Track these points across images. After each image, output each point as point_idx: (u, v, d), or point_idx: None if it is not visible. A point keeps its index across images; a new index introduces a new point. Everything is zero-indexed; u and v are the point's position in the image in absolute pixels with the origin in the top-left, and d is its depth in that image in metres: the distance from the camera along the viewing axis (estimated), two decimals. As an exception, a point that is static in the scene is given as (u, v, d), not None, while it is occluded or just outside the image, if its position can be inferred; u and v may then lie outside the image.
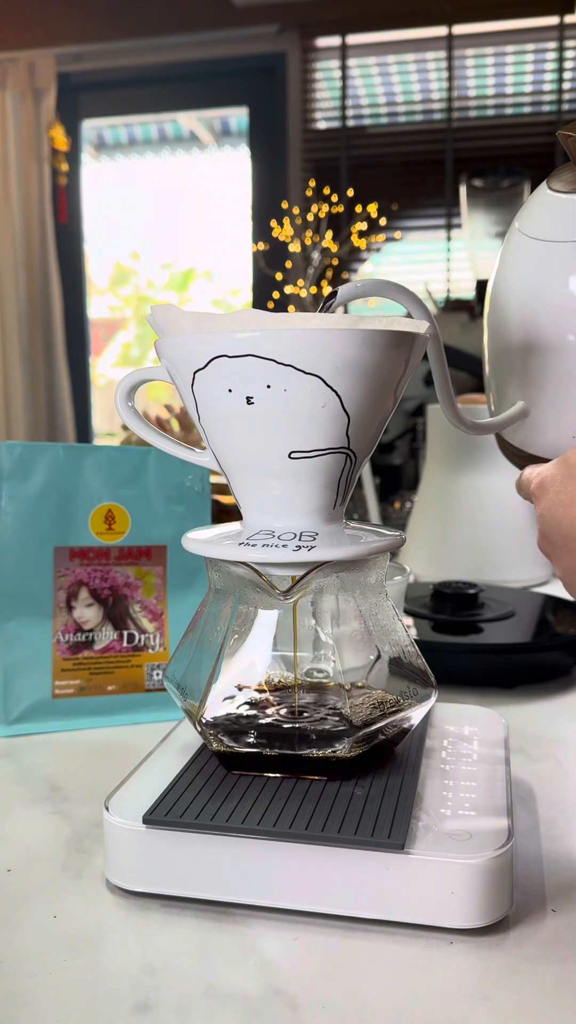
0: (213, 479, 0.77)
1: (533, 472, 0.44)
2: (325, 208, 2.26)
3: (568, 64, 2.90)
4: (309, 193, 2.69)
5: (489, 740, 0.49)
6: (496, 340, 0.49)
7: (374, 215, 2.23)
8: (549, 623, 0.78)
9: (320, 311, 0.43)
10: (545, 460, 0.46)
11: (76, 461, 0.62)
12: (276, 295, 2.38)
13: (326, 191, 2.44)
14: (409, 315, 0.44)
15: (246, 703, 0.46)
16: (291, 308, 2.43)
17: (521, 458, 0.50)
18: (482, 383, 1.56)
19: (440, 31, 2.94)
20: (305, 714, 0.45)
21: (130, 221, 4.27)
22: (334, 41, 3.02)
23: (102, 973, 0.35)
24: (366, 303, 2.97)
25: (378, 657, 0.45)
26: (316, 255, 2.24)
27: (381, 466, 1.53)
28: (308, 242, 2.24)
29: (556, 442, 0.46)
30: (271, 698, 0.46)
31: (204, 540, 0.42)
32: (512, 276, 0.48)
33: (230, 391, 0.40)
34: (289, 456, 0.41)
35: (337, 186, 2.80)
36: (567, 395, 0.46)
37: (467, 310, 1.84)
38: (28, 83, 3.14)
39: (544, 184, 0.47)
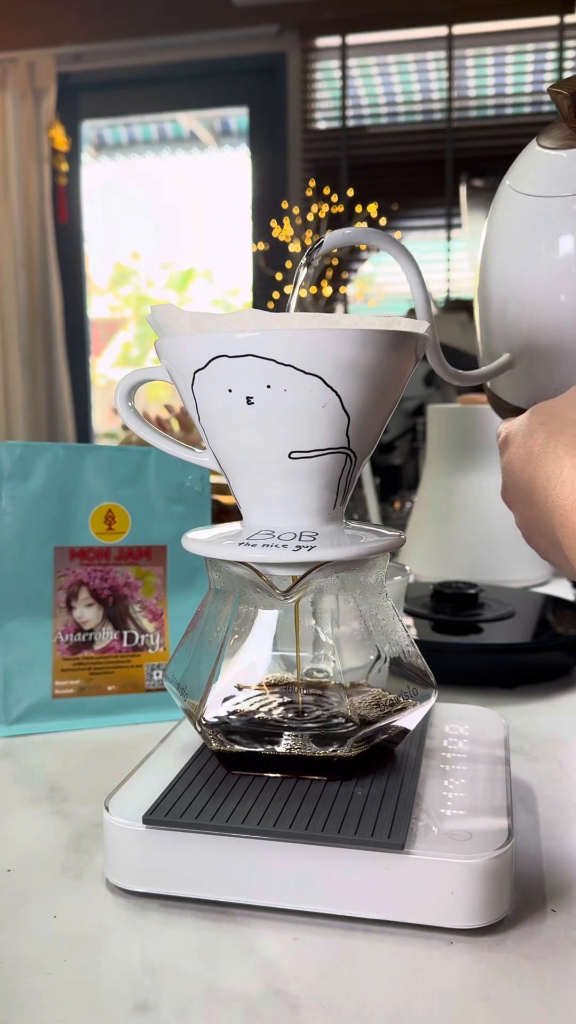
0: (213, 479, 0.77)
1: (504, 425, 0.45)
2: (325, 208, 2.26)
3: (568, 64, 2.90)
4: (309, 193, 2.69)
5: (489, 740, 0.49)
6: (486, 294, 0.50)
7: (374, 215, 2.23)
8: (549, 623, 0.78)
9: (306, 257, 0.44)
10: None
11: (76, 461, 0.62)
12: (276, 295, 2.38)
13: (326, 191, 2.44)
14: (409, 314, 0.44)
15: (246, 703, 0.46)
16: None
17: (508, 411, 0.51)
18: (482, 384, 1.56)
19: (440, 31, 2.94)
20: (305, 714, 0.45)
21: (130, 221, 4.27)
22: (334, 41, 3.02)
23: (102, 973, 0.35)
24: (366, 303, 2.97)
25: (378, 657, 0.45)
26: (311, 271, 2.24)
27: (381, 466, 1.53)
28: (308, 242, 2.24)
29: (540, 395, 0.46)
30: (271, 698, 0.46)
31: (204, 540, 0.42)
32: (502, 231, 0.49)
33: (230, 391, 0.40)
34: (289, 456, 0.41)
35: (337, 186, 2.80)
36: (552, 348, 0.47)
37: (467, 310, 1.84)
38: (28, 83, 3.14)
39: (534, 141, 0.48)
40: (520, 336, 0.48)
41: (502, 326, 0.49)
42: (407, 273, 0.45)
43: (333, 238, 0.44)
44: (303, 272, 0.46)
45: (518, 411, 0.48)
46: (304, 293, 2.18)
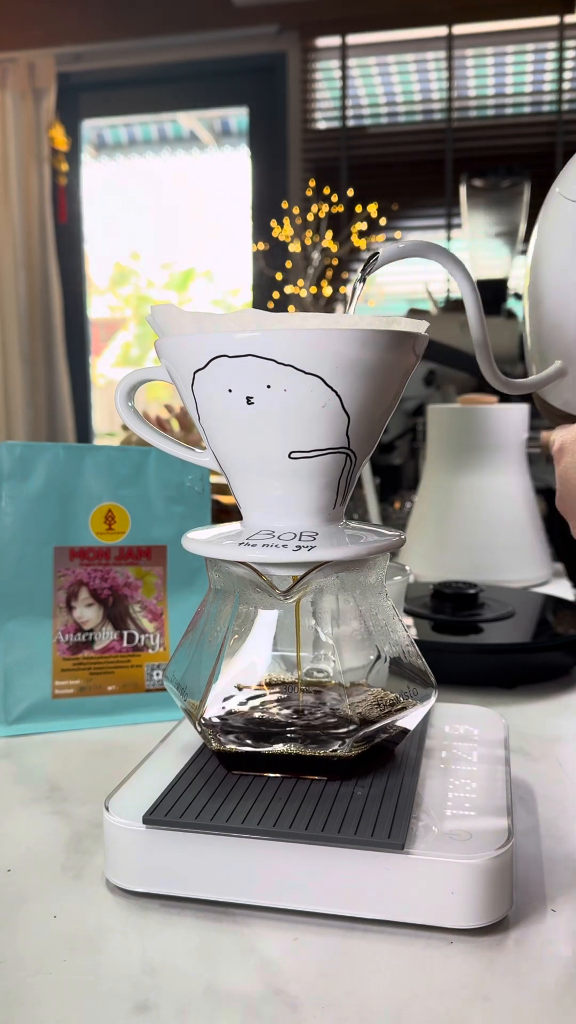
0: (213, 479, 0.77)
1: (558, 433, 0.45)
2: (325, 208, 2.26)
3: (568, 64, 2.90)
4: (309, 193, 2.69)
5: (489, 740, 0.49)
6: (537, 301, 0.50)
7: (374, 215, 2.23)
8: (549, 623, 0.78)
9: (363, 272, 0.44)
10: None
11: (76, 461, 0.62)
12: (276, 295, 2.38)
13: (326, 191, 2.44)
14: (409, 314, 0.44)
15: (246, 703, 0.46)
16: (291, 308, 2.43)
17: (560, 418, 0.51)
18: (483, 383, 1.56)
19: (440, 31, 2.94)
20: (305, 714, 0.45)
21: (130, 221, 4.27)
22: (334, 41, 3.02)
23: (102, 973, 0.35)
24: (366, 303, 2.97)
25: (378, 657, 0.45)
26: (316, 255, 2.24)
27: (381, 466, 1.53)
28: (308, 242, 2.24)
29: None
30: (271, 698, 0.46)
31: (204, 540, 0.42)
32: (552, 238, 0.49)
33: (230, 391, 0.40)
34: (289, 456, 0.41)
35: (337, 186, 2.80)
36: None
37: (467, 310, 1.83)
38: (28, 83, 3.14)
39: None
40: (573, 344, 0.48)
41: (555, 334, 0.49)
42: (460, 285, 0.44)
43: (388, 252, 0.44)
44: (359, 288, 0.46)
45: (570, 419, 0.48)
46: (304, 293, 2.18)
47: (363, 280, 0.45)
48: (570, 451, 0.43)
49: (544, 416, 0.54)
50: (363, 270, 0.44)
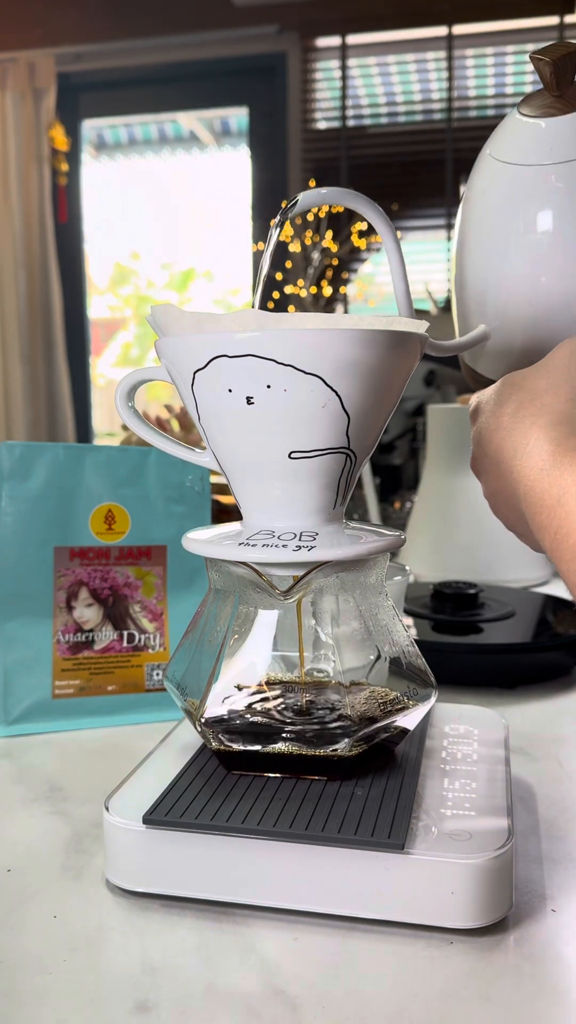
0: (213, 479, 0.77)
1: (475, 396, 0.45)
2: (325, 208, 2.26)
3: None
4: (309, 193, 2.69)
5: (489, 740, 0.49)
6: (462, 264, 0.50)
7: (374, 215, 2.22)
8: (549, 623, 0.78)
9: (280, 216, 0.44)
10: None
11: (76, 461, 0.62)
12: (276, 295, 2.38)
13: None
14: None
15: (246, 703, 0.46)
16: (291, 308, 2.43)
17: (483, 384, 0.51)
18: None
19: (440, 31, 2.94)
20: (305, 713, 0.45)
21: (130, 221, 4.27)
22: (334, 41, 3.02)
23: (102, 973, 0.35)
24: (366, 303, 2.97)
25: (378, 657, 0.45)
26: (316, 255, 2.24)
27: (381, 466, 1.53)
28: (308, 242, 2.24)
29: (514, 368, 0.45)
30: (271, 698, 0.46)
31: (204, 540, 0.42)
32: (480, 199, 0.48)
33: (230, 391, 0.40)
34: (289, 456, 0.41)
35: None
36: (527, 321, 0.47)
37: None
38: (28, 83, 3.14)
39: (515, 109, 0.48)
40: (496, 308, 0.48)
41: (478, 298, 0.49)
42: (380, 231, 0.45)
43: (307, 197, 0.44)
44: (275, 233, 0.46)
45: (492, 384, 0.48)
46: (304, 294, 2.18)
47: (280, 225, 0.45)
48: (484, 412, 0.43)
49: (470, 383, 0.53)
50: (281, 213, 0.44)
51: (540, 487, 0.36)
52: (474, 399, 0.46)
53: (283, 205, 0.45)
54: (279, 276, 2.32)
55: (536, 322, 0.46)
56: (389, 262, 0.46)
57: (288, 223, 2.23)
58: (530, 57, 0.45)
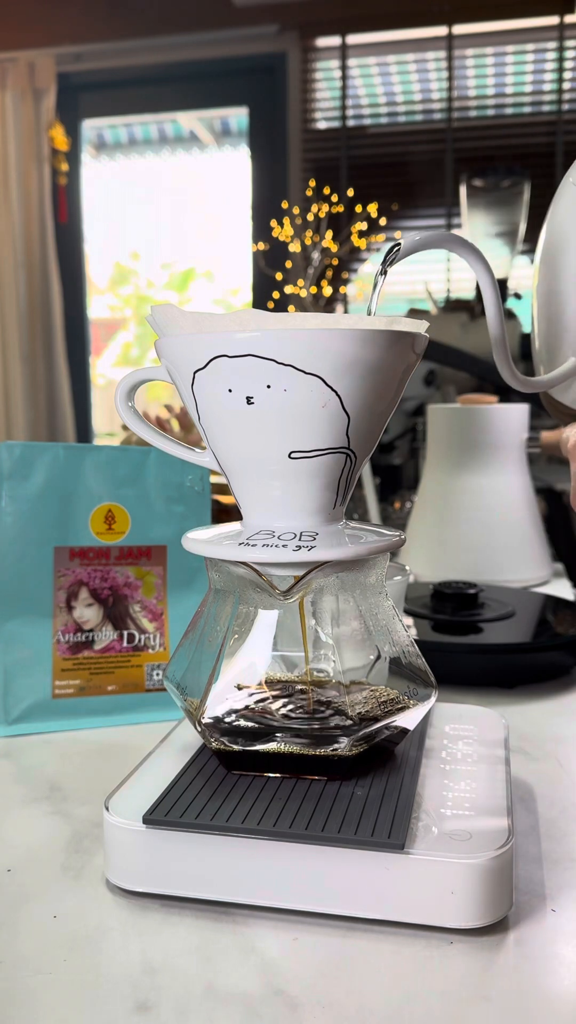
0: (213, 479, 0.77)
1: (572, 430, 0.44)
2: (325, 208, 2.26)
3: (568, 64, 2.90)
4: (309, 193, 2.69)
5: (489, 740, 0.49)
6: (549, 297, 0.49)
7: (374, 215, 2.23)
8: (549, 623, 0.78)
9: (383, 265, 0.43)
10: None
11: (76, 461, 0.62)
12: (276, 295, 2.38)
13: (326, 191, 2.44)
14: (409, 314, 0.44)
15: (246, 703, 0.46)
16: (291, 308, 2.43)
17: (571, 416, 0.50)
18: (483, 383, 1.56)
19: (440, 31, 2.94)
20: (305, 713, 0.45)
21: (130, 221, 4.27)
22: (334, 41, 3.02)
23: (102, 973, 0.35)
24: (366, 303, 2.96)
25: (378, 657, 0.45)
26: (316, 255, 2.24)
27: (381, 466, 1.53)
28: (308, 242, 2.24)
29: None
30: (271, 697, 0.46)
31: (204, 540, 0.42)
32: (564, 229, 0.48)
33: (230, 391, 0.40)
34: (289, 456, 0.41)
35: (337, 186, 2.80)
36: None
37: (467, 310, 1.84)
38: (28, 83, 3.14)
39: None
40: None
41: (567, 330, 0.48)
42: (480, 278, 0.43)
43: (409, 243, 0.42)
44: (380, 281, 0.44)
45: None
46: (304, 294, 2.18)
47: (384, 272, 0.44)
48: None
49: (552, 414, 0.53)
50: (384, 262, 0.43)
51: None
52: (571, 434, 0.45)
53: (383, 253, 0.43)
54: (279, 276, 2.32)
55: None
56: (485, 304, 0.45)
57: (288, 223, 2.23)
58: None
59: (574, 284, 0.47)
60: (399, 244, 0.42)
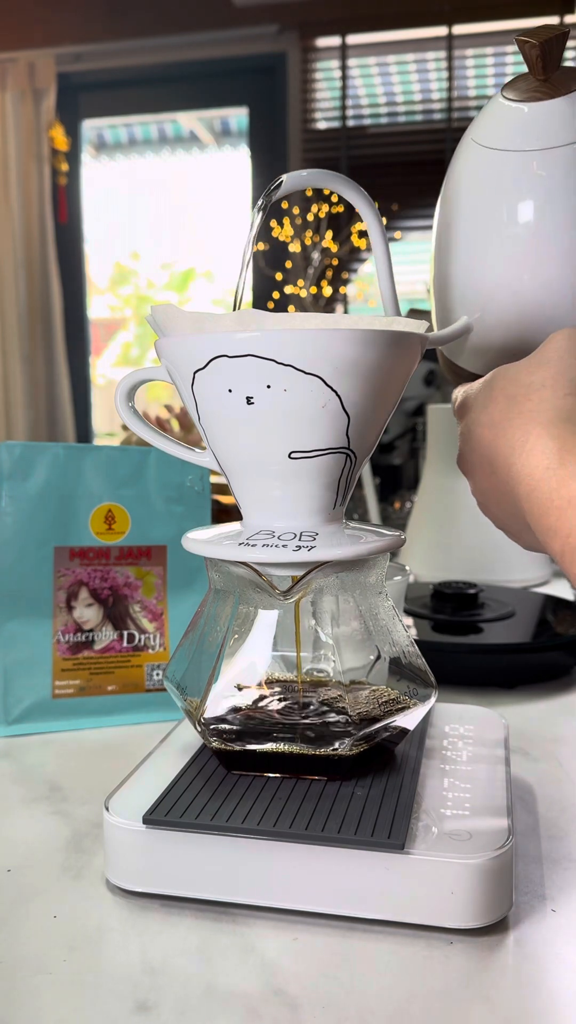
0: (213, 479, 0.77)
1: (461, 390, 0.44)
2: (325, 208, 2.26)
3: (568, 64, 2.89)
4: (309, 193, 2.69)
5: (489, 740, 0.49)
6: (442, 253, 0.48)
7: (374, 215, 2.22)
8: (549, 623, 0.78)
9: (262, 199, 0.43)
10: None
11: (76, 461, 0.62)
12: (276, 295, 2.38)
13: (326, 191, 2.44)
14: (409, 315, 0.44)
15: (246, 703, 0.46)
16: (291, 308, 2.43)
17: (465, 378, 0.49)
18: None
19: (440, 31, 2.94)
20: (305, 713, 0.45)
21: (130, 221, 4.27)
22: (334, 41, 3.02)
23: (102, 973, 0.35)
24: (366, 303, 2.97)
25: (378, 657, 0.45)
26: (316, 255, 2.24)
27: (381, 466, 1.53)
28: (308, 242, 2.24)
29: (499, 361, 0.43)
30: (271, 697, 0.46)
31: (204, 540, 0.42)
32: (461, 185, 0.46)
33: (230, 391, 0.40)
34: (289, 456, 0.41)
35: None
36: (512, 313, 0.45)
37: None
38: (28, 83, 3.14)
39: (498, 93, 0.46)
40: (479, 300, 0.46)
41: (461, 288, 0.47)
42: (363, 214, 0.44)
43: (291, 180, 0.43)
44: (258, 217, 0.45)
45: (475, 378, 0.46)
46: (304, 294, 2.18)
47: (263, 208, 0.44)
48: (474, 408, 0.41)
49: (448, 377, 0.51)
50: (264, 195, 0.44)
51: (547, 487, 0.34)
52: (459, 393, 0.44)
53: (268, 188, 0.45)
54: (279, 276, 2.32)
55: (520, 314, 0.45)
56: (373, 248, 0.44)
57: (288, 222, 2.23)
58: (516, 39, 0.43)
59: (460, 243, 0.46)
60: (282, 180, 0.42)
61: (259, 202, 0.44)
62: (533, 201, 0.43)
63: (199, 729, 0.44)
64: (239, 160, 3.51)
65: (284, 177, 0.43)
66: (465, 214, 0.46)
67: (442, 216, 0.48)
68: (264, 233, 2.68)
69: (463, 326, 0.47)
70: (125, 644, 0.63)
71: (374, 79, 3.05)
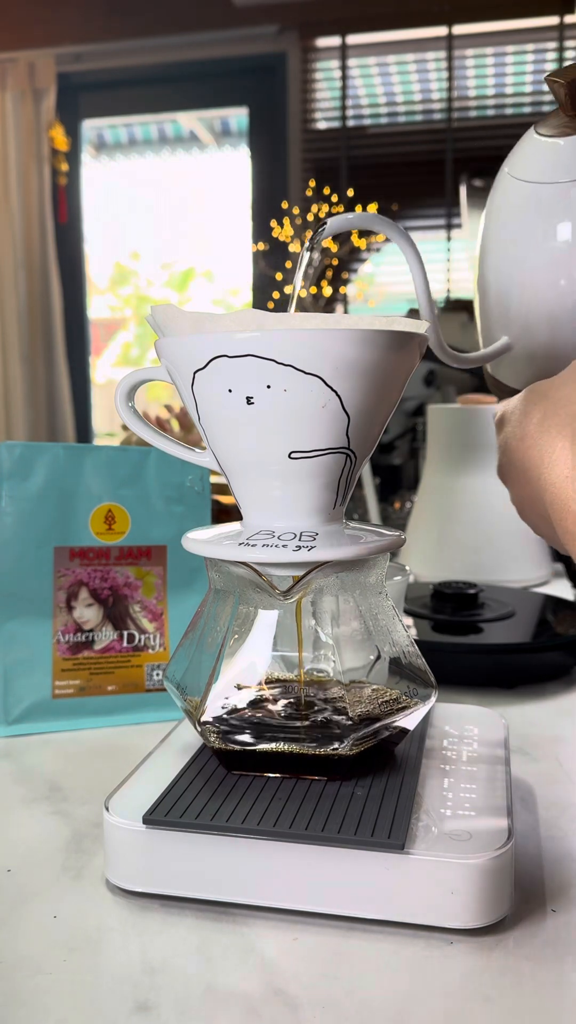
0: (213, 479, 0.77)
1: (500, 405, 0.47)
2: (325, 208, 2.26)
3: (568, 64, 2.89)
4: (309, 193, 2.69)
5: (489, 740, 0.49)
6: (485, 280, 0.52)
7: (374, 215, 2.22)
8: (549, 623, 0.78)
9: (309, 242, 0.45)
10: None
11: (76, 461, 0.62)
12: (276, 295, 2.38)
13: (326, 191, 2.44)
14: (409, 315, 0.44)
15: (246, 703, 0.46)
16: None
17: (508, 394, 0.52)
18: (483, 383, 1.56)
19: (440, 31, 2.94)
20: (305, 712, 0.45)
21: (130, 221, 4.27)
22: (334, 41, 3.02)
23: (102, 973, 0.35)
24: (366, 303, 2.97)
25: (378, 657, 0.45)
26: (316, 255, 2.24)
27: (381, 466, 1.53)
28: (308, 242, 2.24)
29: (537, 378, 0.47)
30: (271, 697, 0.46)
31: (204, 540, 0.42)
32: (500, 218, 0.50)
33: (230, 391, 0.40)
34: (289, 456, 0.41)
35: (337, 186, 2.80)
36: (549, 332, 0.48)
37: (467, 310, 1.84)
38: (28, 83, 3.14)
39: (532, 129, 0.49)
40: (518, 320, 0.49)
41: (501, 310, 0.50)
42: (408, 259, 0.46)
43: (335, 222, 0.46)
44: (306, 257, 0.47)
45: (516, 393, 0.49)
46: (304, 293, 2.17)
47: (311, 248, 0.47)
48: (510, 422, 0.44)
49: (494, 393, 0.56)
50: (312, 239, 0.46)
51: (565, 494, 0.38)
52: (500, 408, 0.47)
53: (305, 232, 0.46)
54: (279, 276, 2.32)
55: (556, 332, 0.48)
56: (416, 288, 0.47)
57: (288, 222, 2.23)
58: (546, 80, 0.47)
59: (500, 269, 0.50)
60: (326, 223, 0.45)
61: (307, 243, 0.47)
62: (570, 226, 0.47)
63: (199, 729, 0.44)
64: (239, 160, 3.51)
65: (329, 220, 0.45)
66: (504, 242, 0.50)
67: (483, 245, 0.52)
68: (264, 233, 2.68)
69: (503, 345, 0.50)
70: (125, 644, 0.63)
71: (374, 79, 3.05)
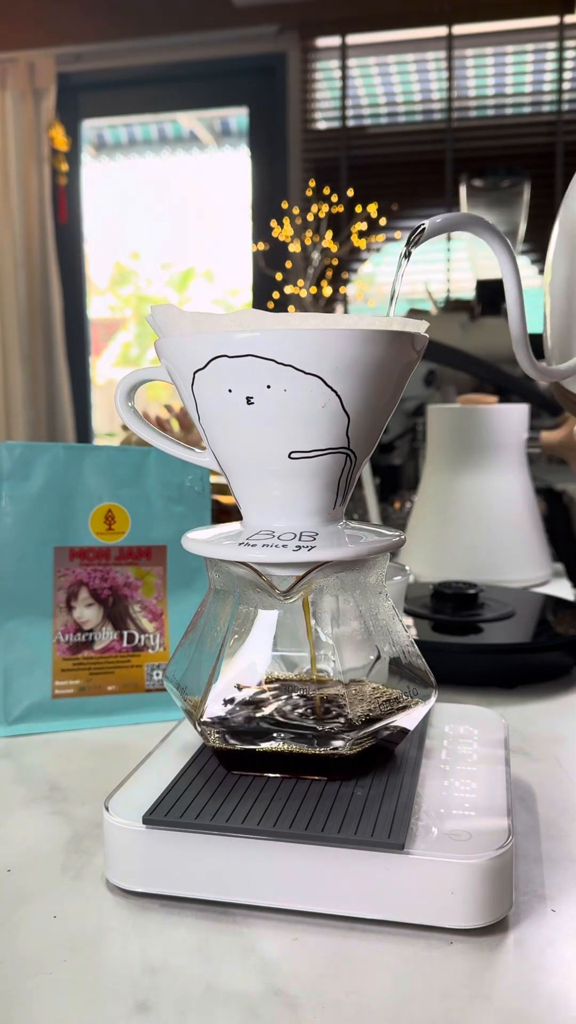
0: (213, 479, 0.77)
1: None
2: (325, 208, 2.26)
3: (568, 64, 2.90)
4: (309, 193, 2.69)
5: (489, 740, 0.49)
6: (560, 293, 0.49)
7: (374, 215, 2.23)
8: (549, 623, 0.78)
9: (407, 246, 0.42)
10: None
11: (76, 461, 0.62)
12: (276, 295, 2.38)
13: (326, 191, 2.44)
14: (409, 314, 0.44)
15: (246, 703, 0.46)
16: (291, 308, 2.43)
17: None
18: (483, 384, 1.56)
19: (440, 31, 2.94)
20: (305, 712, 0.45)
21: (130, 221, 4.27)
22: (334, 41, 3.02)
23: (102, 973, 0.35)
24: (366, 303, 2.97)
25: (378, 657, 0.45)
26: (316, 255, 2.24)
27: (381, 466, 1.53)
28: (308, 242, 2.24)
29: None
30: (271, 697, 0.46)
31: (204, 540, 0.42)
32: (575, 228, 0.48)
33: (230, 391, 0.40)
34: (289, 456, 0.41)
35: (337, 186, 2.80)
36: None
37: (467, 310, 1.84)
38: (28, 83, 3.14)
39: None
40: None
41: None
42: (503, 268, 0.43)
43: (434, 225, 0.42)
44: (404, 264, 0.44)
45: None
46: (304, 294, 2.18)
47: (408, 255, 0.43)
48: None
49: (564, 406, 0.54)
50: (408, 243, 0.43)
51: None
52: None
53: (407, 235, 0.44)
54: (279, 276, 2.32)
55: None
56: (507, 291, 0.44)
57: (288, 223, 2.23)
58: None
59: None
60: (424, 225, 0.42)
61: (403, 248, 0.44)
62: None
63: (199, 729, 0.44)
64: (239, 160, 3.51)
65: (426, 223, 0.42)
66: None
67: (556, 258, 0.50)
68: (264, 233, 2.68)
69: None
70: (125, 644, 0.63)
71: (374, 79, 3.05)
